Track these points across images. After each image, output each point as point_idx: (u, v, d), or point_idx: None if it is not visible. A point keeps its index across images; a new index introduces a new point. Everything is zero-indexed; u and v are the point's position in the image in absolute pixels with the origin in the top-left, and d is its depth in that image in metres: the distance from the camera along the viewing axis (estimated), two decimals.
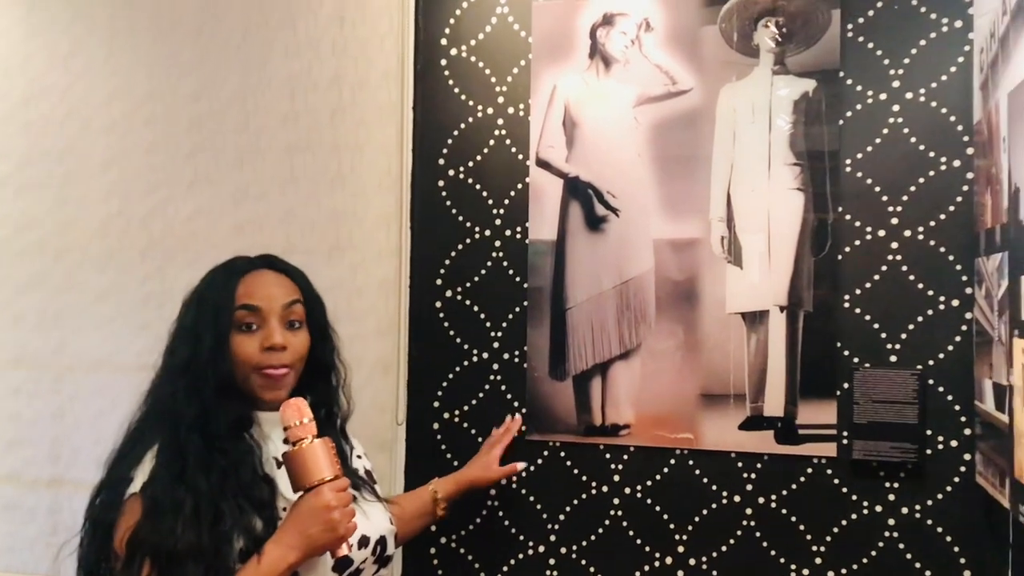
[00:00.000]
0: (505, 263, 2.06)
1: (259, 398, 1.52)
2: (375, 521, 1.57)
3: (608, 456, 1.98)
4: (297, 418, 1.43)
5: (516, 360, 2.04)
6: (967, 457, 1.79)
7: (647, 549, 1.96)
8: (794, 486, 1.88)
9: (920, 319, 1.83)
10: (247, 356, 1.50)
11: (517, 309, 2.04)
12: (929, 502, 1.81)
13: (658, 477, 1.96)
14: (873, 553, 1.83)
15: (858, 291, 1.86)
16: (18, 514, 2.30)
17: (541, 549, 2.02)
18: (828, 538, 1.86)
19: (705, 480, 1.93)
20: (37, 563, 2.28)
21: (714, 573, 1.92)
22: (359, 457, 1.72)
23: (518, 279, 2.04)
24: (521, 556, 2.03)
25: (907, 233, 1.84)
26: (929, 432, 1.81)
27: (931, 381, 1.82)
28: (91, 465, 2.22)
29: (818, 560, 1.86)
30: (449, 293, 2.09)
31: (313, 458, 1.41)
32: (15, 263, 2.34)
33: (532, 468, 2.02)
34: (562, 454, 2.01)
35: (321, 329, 1.61)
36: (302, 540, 1.38)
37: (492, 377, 2.06)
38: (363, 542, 1.52)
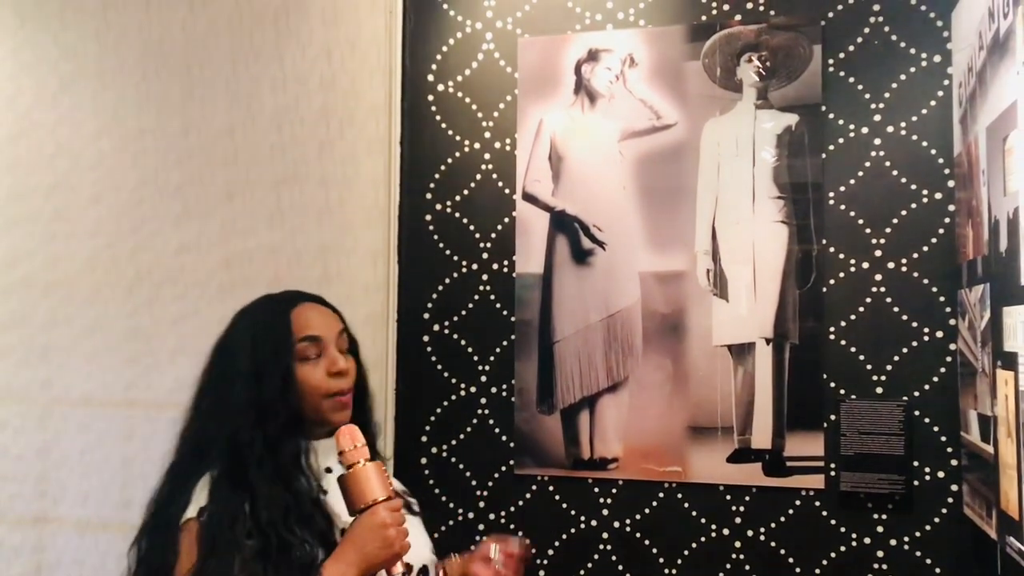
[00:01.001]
0: (492, 297, 2.06)
1: (330, 422, 1.54)
2: (416, 549, 1.56)
3: (597, 490, 1.98)
4: (351, 443, 1.46)
5: (504, 394, 2.04)
6: (954, 488, 1.80)
7: None
8: (783, 518, 1.88)
9: (905, 350, 1.84)
10: (316, 384, 1.53)
11: (505, 343, 2.05)
12: (917, 533, 1.81)
13: (647, 511, 1.95)
14: None
15: (843, 323, 1.87)
16: (2, 552, 2.28)
17: None
18: (817, 570, 1.86)
19: (694, 513, 1.93)
20: None
21: None
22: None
23: (505, 312, 2.05)
24: None
25: (891, 265, 1.86)
26: (916, 463, 1.82)
27: (917, 412, 1.83)
28: (77, 502, 2.24)
29: None
30: (436, 327, 2.10)
31: (367, 480, 1.44)
32: (2, 298, 2.33)
33: (521, 503, 2.02)
34: (550, 488, 2.01)
35: (359, 358, 1.65)
36: (360, 557, 1.41)
37: (480, 411, 2.06)
38: (406, 570, 1.52)
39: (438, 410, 2.08)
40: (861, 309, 1.87)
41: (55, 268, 2.30)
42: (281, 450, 1.50)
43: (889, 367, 1.85)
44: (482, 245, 2.08)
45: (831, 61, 1.91)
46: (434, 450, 2.07)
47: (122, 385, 2.23)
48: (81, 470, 2.24)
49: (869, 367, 1.86)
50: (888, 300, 1.85)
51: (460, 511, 2.04)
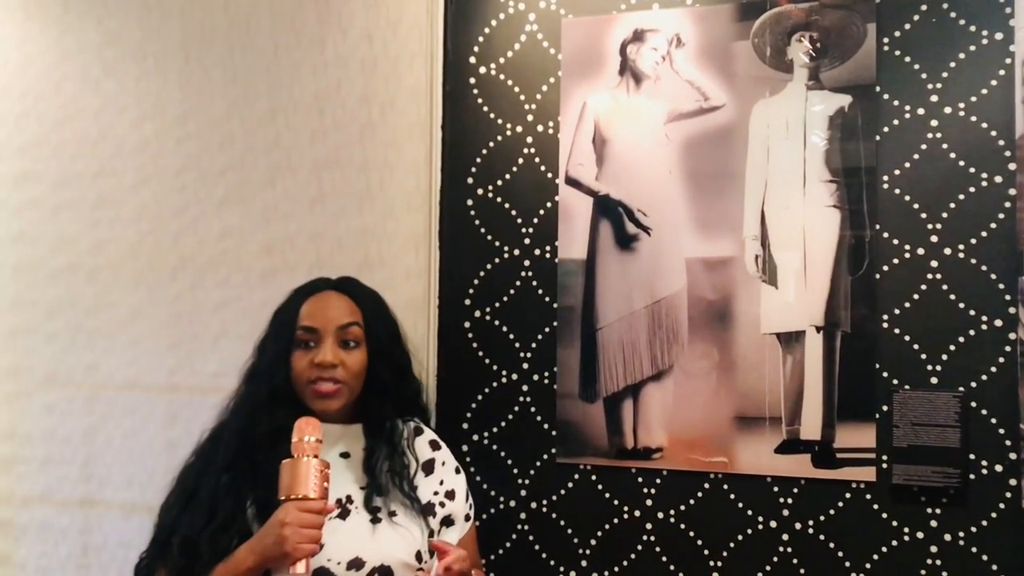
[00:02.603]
0: (535, 283, 2.03)
1: (312, 409, 1.62)
2: (384, 548, 1.55)
3: (640, 480, 1.95)
4: (301, 435, 1.50)
5: (546, 381, 2.01)
6: (1012, 482, 1.74)
7: (681, 575, 1.91)
8: (832, 511, 1.83)
9: (961, 339, 1.78)
10: (300, 371, 1.62)
11: (547, 329, 2.02)
12: (973, 529, 1.76)
13: (692, 502, 1.92)
14: None
15: (897, 311, 1.81)
16: (50, 534, 2.31)
17: (572, 575, 1.98)
18: (868, 565, 1.81)
19: (740, 505, 1.88)
20: None
21: None
22: (425, 475, 1.70)
23: (548, 299, 2.02)
24: None
25: (947, 251, 1.79)
26: (972, 456, 1.76)
27: (974, 403, 1.76)
28: (122, 485, 2.26)
29: None
30: (478, 313, 2.07)
31: (296, 474, 1.47)
32: (48, 284, 2.35)
33: (563, 491, 1.99)
34: (593, 477, 1.98)
35: (381, 349, 1.68)
36: (258, 547, 1.47)
37: (522, 399, 2.03)
38: (356, 564, 1.51)
39: (479, 397, 2.06)
40: (916, 297, 1.80)
41: (100, 253, 2.32)
42: (261, 423, 1.61)
43: (945, 356, 1.79)
44: (524, 230, 2.05)
45: (886, 40, 1.84)
46: (475, 437, 2.05)
47: (166, 370, 2.25)
48: (126, 454, 2.26)
49: (924, 356, 1.80)
50: (944, 288, 1.79)
51: (501, 500, 2.02)
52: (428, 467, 1.70)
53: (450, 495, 1.70)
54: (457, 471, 1.74)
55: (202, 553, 1.51)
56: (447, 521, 1.69)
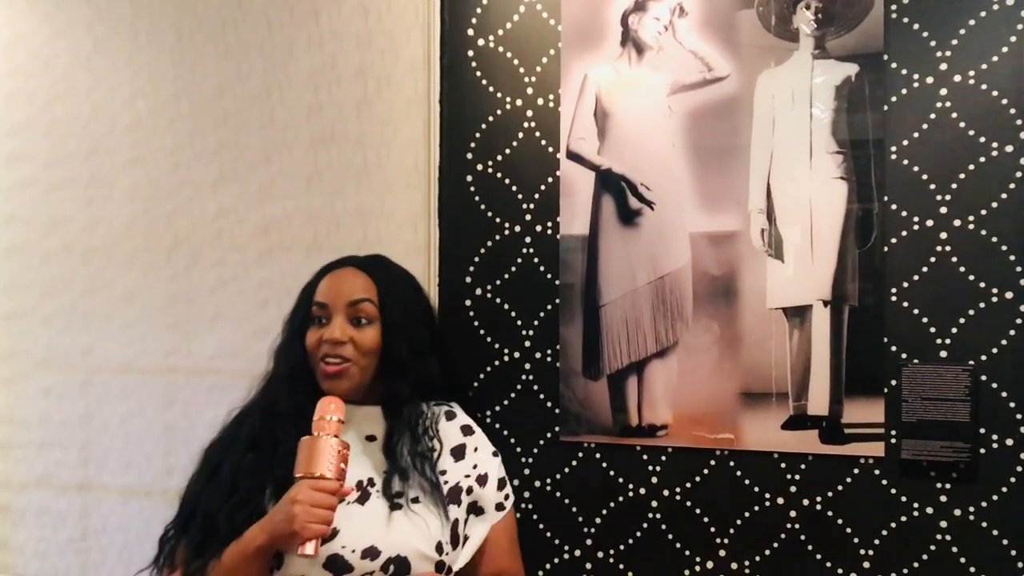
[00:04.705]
0: (536, 259, 2.00)
1: (322, 387, 1.61)
2: (399, 538, 1.52)
3: (645, 457, 1.92)
4: (327, 413, 1.48)
5: (548, 359, 1.98)
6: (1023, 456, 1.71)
7: (687, 553, 1.89)
8: (840, 487, 1.81)
9: (972, 312, 1.75)
10: (311, 346, 1.63)
11: (549, 307, 1.98)
12: (984, 504, 1.73)
13: (698, 479, 1.89)
14: (924, 557, 1.76)
15: (906, 284, 1.78)
16: (48, 519, 2.29)
17: (577, 553, 1.96)
18: (877, 541, 1.79)
19: (747, 482, 1.86)
20: (68, 569, 2.26)
21: None
22: (455, 460, 1.69)
23: (549, 276, 1.99)
24: (556, 560, 1.97)
25: (957, 223, 1.76)
26: (983, 431, 1.73)
27: (984, 377, 1.74)
28: (120, 469, 2.23)
29: (866, 564, 1.79)
30: (479, 291, 2.04)
31: (313, 452, 1.44)
32: (43, 265, 2.32)
33: (567, 470, 1.97)
34: (597, 455, 1.95)
35: (396, 326, 1.65)
36: (269, 524, 1.45)
37: (524, 377, 2.00)
38: (370, 553, 1.48)
39: (481, 376, 2.03)
40: (925, 269, 1.77)
41: (93, 233, 2.29)
42: (281, 399, 1.62)
43: (955, 330, 1.76)
44: (525, 206, 2.01)
45: (894, 7, 1.80)
46: (478, 416, 2.02)
47: (162, 352, 2.22)
48: (123, 437, 2.24)
49: (933, 330, 1.77)
50: (954, 260, 1.76)
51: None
52: (458, 452, 1.68)
53: (481, 480, 1.67)
54: (495, 454, 1.72)
55: (220, 529, 1.50)
56: (475, 509, 1.66)
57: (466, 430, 1.72)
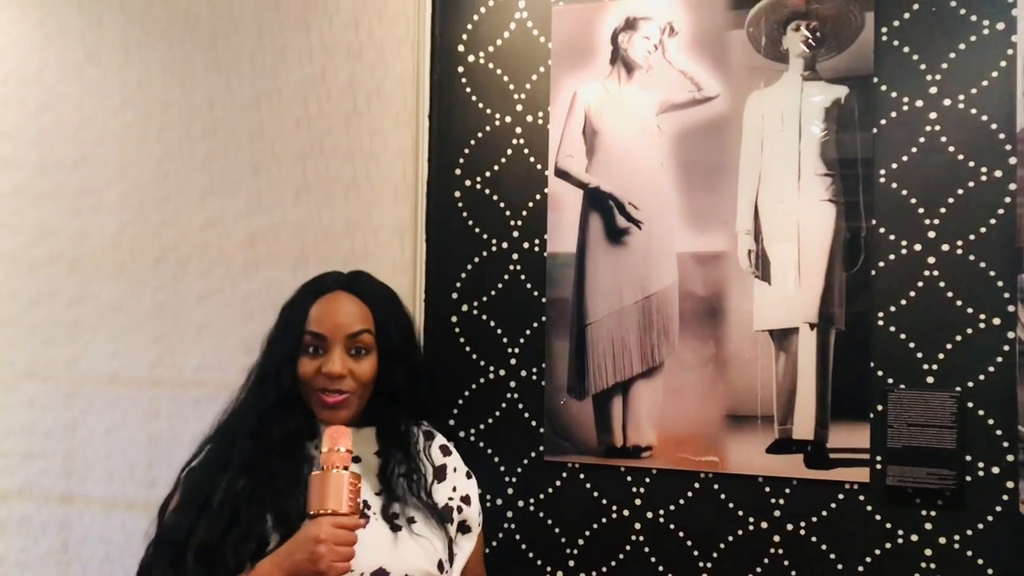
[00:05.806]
0: (523, 276, 1.99)
1: (318, 416, 1.58)
2: (406, 557, 1.51)
3: (629, 479, 1.91)
4: (332, 445, 1.44)
5: (534, 377, 1.97)
6: (1010, 485, 1.70)
7: None
8: (824, 513, 1.79)
9: (959, 338, 1.74)
10: (307, 377, 1.56)
11: (535, 324, 1.97)
12: (969, 532, 1.72)
13: (682, 501, 1.88)
14: None
15: (893, 308, 1.77)
16: (30, 529, 2.27)
17: (559, 575, 1.94)
18: (860, 568, 1.77)
19: (731, 505, 1.85)
20: None
21: None
22: (438, 482, 1.65)
23: (536, 293, 1.97)
24: None
25: (945, 247, 1.75)
26: (969, 458, 1.72)
27: (970, 404, 1.72)
28: (103, 480, 2.21)
29: None
30: (465, 307, 2.03)
31: (328, 487, 1.40)
32: (29, 274, 2.31)
33: (550, 490, 1.95)
34: (581, 476, 1.94)
35: (393, 353, 1.61)
36: (286, 563, 1.40)
37: (509, 395, 1.99)
38: (380, 575, 1.47)
39: (466, 393, 2.02)
40: (912, 294, 1.76)
41: (81, 244, 2.27)
42: (275, 426, 1.55)
43: (941, 355, 1.74)
44: (513, 223, 2.00)
45: (884, 30, 1.79)
46: (462, 434, 2.01)
47: (148, 363, 2.21)
48: (107, 449, 2.22)
49: (920, 355, 1.75)
50: (942, 284, 1.75)
51: (488, 497, 1.98)
52: (440, 473, 1.66)
53: (465, 500, 1.66)
54: (468, 476, 1.70)
55: (226, 560, 1.44)
56: (463, 527, 1.65)
57: (444, 450, 1.70)
